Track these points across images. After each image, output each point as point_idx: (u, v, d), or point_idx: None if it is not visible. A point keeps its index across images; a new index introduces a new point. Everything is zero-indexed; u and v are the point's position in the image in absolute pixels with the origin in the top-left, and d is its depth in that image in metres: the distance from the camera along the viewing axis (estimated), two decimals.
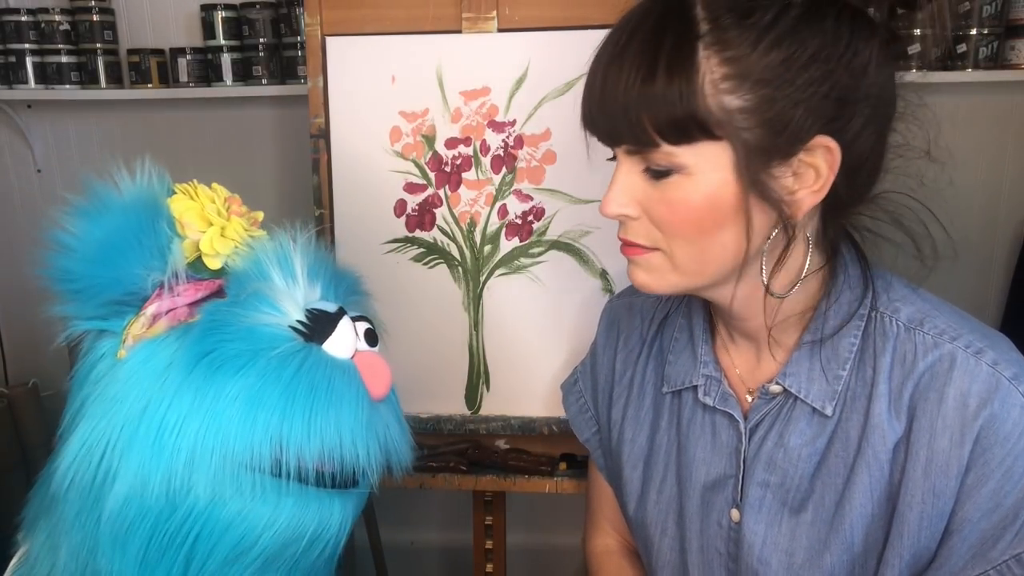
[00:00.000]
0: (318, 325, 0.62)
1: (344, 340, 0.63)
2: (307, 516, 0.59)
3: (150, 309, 0.61)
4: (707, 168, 0.61)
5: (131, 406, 0.57)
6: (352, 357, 0.64)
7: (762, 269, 0.67)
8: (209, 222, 0.64)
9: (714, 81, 0.58)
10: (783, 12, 0.58)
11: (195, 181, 0.67)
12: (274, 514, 0.58)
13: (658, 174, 0.63)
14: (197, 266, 0.64)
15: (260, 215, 0.69)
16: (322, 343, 0.62)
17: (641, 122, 0.60)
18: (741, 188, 0.61)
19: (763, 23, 0.58)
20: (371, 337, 0.66)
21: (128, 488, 0.56)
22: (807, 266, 0.68)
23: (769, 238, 0.65)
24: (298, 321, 0.61)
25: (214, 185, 0.68)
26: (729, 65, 0.58)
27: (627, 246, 0.68)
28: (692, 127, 0.59)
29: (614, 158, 0.67)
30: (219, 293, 0.63)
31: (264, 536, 0.58)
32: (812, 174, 0.62)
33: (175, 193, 0.66)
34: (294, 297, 0.62)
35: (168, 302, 0.61)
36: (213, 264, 0.63)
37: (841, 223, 0.70)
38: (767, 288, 0.67)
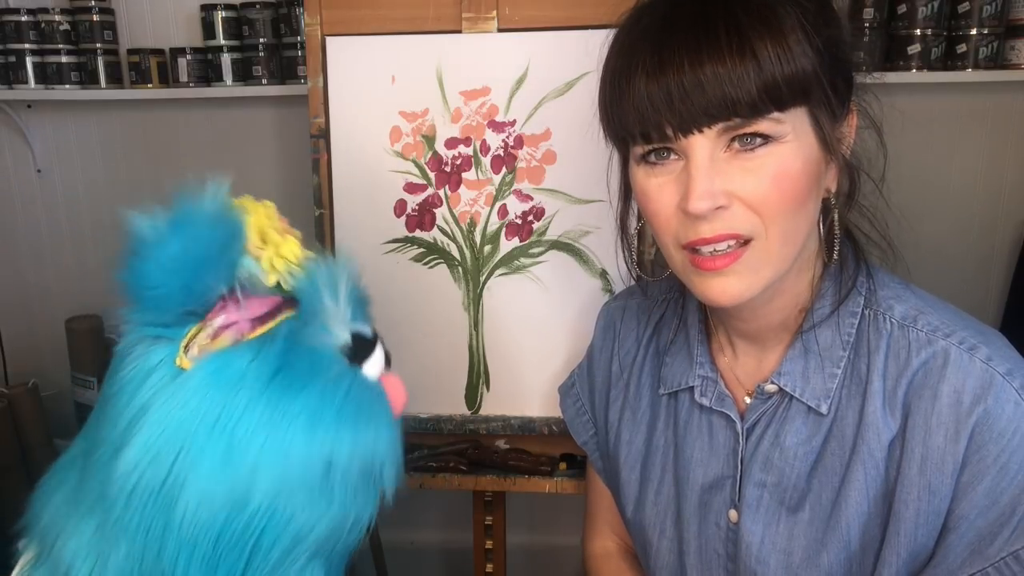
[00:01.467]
0: (360, 348, 0.65)
1: (378, 364, 0.67)
2: (351, 505, 0.63)
3: (217, 321, 0.62)
4: (799, 133, 0.61)
5: (204, 416, 0.59)
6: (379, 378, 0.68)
7: (820, 235, 0.68)
8: (264, 239, 0.65)
9: (796, 44, 0.59)
10: None
11: (249, 196, 0.68)
12: (327, 507, 0.61)
13: (749, 148, 0.61)
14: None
15: (299, 234, 0.71)
16: (362, 365, 0.65)
17: (753, 89, 0.58)
18: (823, 150, 0.63)
19: None
20: (387, 359, 0.70)
21: (199, 495, 0.58)
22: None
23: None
24: (345, 344, 0.64)
25: (266, 202, 0.69)
26: (799, 31, 0.60)
27: (715, 258, 0.63)
28: (796, 88, 0.60)
29: (648, 155, 0.64)
30: (278, 310, 0.65)
31: (318, 526, 0.61)
32: (846, 139, 0.66)
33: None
34: (340, 320, 0.65)
35: (234, 315, 0.62)
36: (268, 281, 0.65)
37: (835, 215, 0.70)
38: (833, 255, 0.68)
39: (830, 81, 0.62)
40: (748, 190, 0.61)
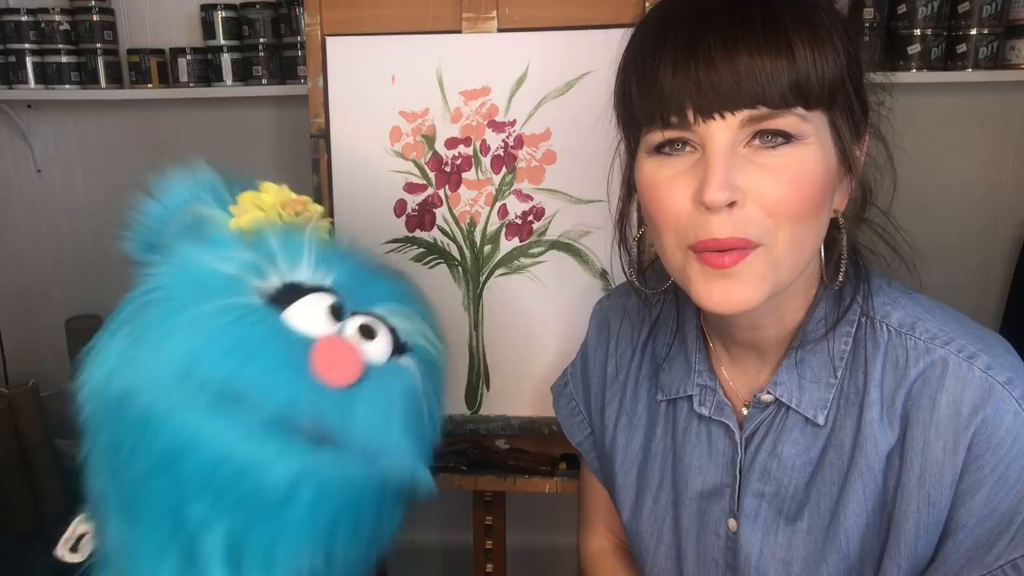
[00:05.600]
0: (285, 294, 0.61)
1: (306, 315, 0.61)
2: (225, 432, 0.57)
3: None
4: (820, 138, 0.60)
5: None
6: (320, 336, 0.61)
7: (821, 260, 0.66)
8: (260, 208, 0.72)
9: (830, 49, 0.59)
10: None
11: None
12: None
13: (770, 145, 0.59)
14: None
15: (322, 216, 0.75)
16: (283, 308, 0.60)
17: (785, 82, 0.57)
18: (840, 162, 0.62)
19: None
20: (367, 332, 0.63)
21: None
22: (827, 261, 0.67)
23: None
24: (275, 289, 0.62)
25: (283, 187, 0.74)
26: (835, 38, 0.59)
27: (723, 252, 0.59)
28: (825, 90, 0.58)
29: (662, 146, 0.61)
30: None
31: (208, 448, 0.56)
32: (859, 160, 0.64)
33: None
34: (275, 265, 0.63)
35: None
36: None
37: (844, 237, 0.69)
38: (838, 277, 0.65)
39: (855, 92, 0.61)
40: (765, 189, 0.58)
